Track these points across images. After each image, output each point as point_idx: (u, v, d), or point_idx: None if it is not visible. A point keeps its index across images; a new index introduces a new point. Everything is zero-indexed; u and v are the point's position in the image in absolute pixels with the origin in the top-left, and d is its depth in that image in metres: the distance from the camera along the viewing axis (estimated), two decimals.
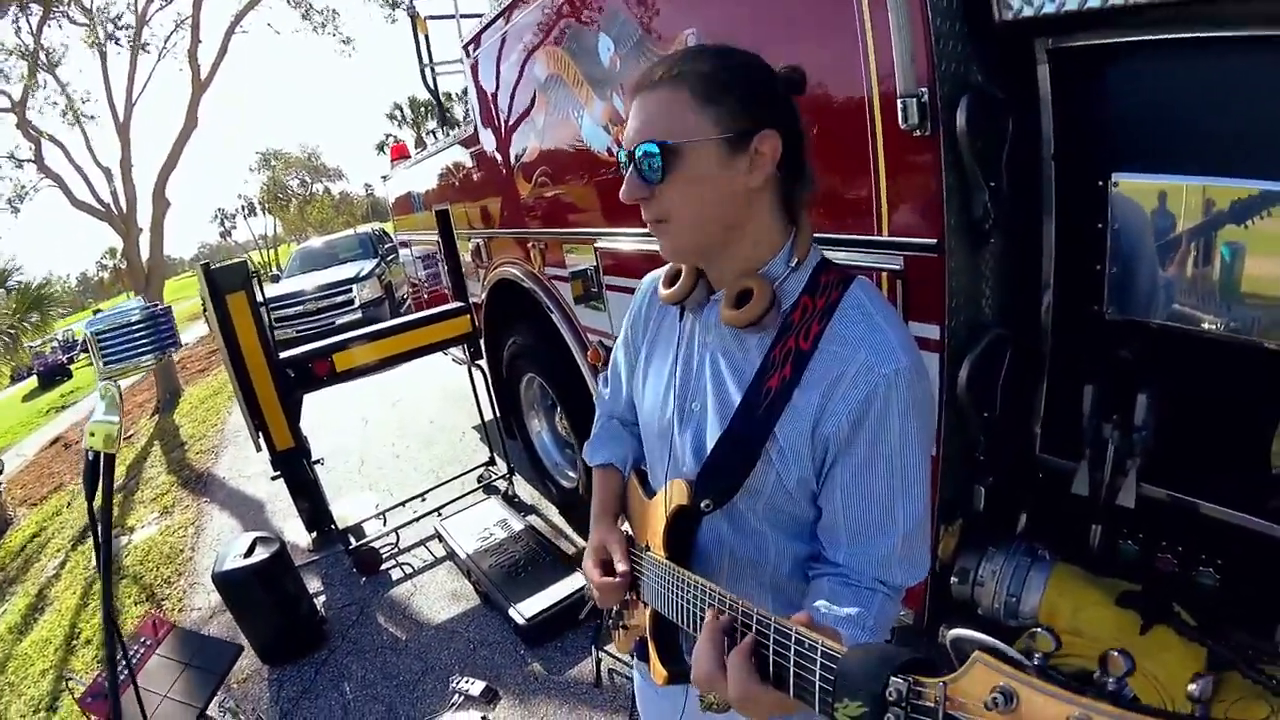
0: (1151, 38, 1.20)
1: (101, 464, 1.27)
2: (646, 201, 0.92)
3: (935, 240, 1.37)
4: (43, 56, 9.58)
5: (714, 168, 0.87)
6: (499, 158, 3.33)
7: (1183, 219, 1.25)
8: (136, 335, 1.39)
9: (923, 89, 1.26)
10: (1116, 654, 0.45)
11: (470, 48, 3.30)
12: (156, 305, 1.44)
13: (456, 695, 2.73)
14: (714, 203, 0.90)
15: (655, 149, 0.87)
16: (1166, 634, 1.40)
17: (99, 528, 1.28)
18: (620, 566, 1.08)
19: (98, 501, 1.28)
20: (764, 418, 0.92)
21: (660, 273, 1.10)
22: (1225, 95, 1.19)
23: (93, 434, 1.26)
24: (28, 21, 9.32)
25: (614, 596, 1.10)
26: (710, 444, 0.98)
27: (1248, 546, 1.32)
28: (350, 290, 11.36)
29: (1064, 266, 1.47)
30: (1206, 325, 1.28)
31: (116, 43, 9.81)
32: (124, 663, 1.64)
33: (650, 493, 1.12)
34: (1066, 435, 1.55)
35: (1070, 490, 1.52)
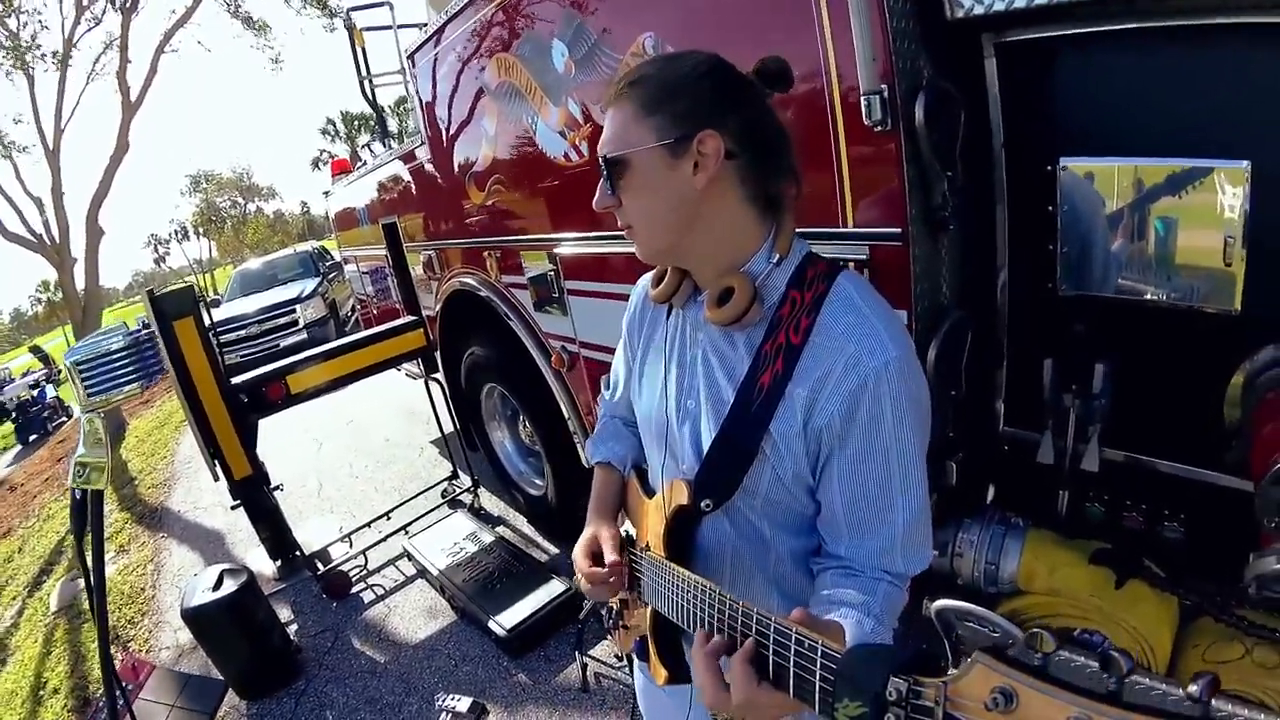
0: (1089, 30, 1.27)
1: (89, 501, 1.22)
2: (616, 210, 0.97)
3: (899, 229, 1.42)
4: None
5: (661, 173, 0.91)
6: (449, 168, 3.30)
7: (1127, 198, 1.33)
8: (119, 363, 1.34)
9: (883, 86, 1.31)
10: (1116, 654, 0.47)
11: (415, 58, 3.26)
12: (140, 331, 1.39)
13: (444, 713, 2.69)
14: (665, 207, 0.93)
15: (603, 162, 0.94)
16: (1140, 587, 1.47)
17: (91, 568, 1.23)
18: (610, 557, 1.08)
19: (88, 543, 1.24)
20: (758, 414, 0.93)
21: (651, 274, 1.12)
22: (1159, 81, 1.27)
23: (79, 470, 1.22)
24: None
25: (603, 589, 1.10)
26: (707, 441, 0.99)
27: (1208, 498, 1.41)
28: (294, 311, 11.07)
29: (1018, 248, 1.54)
30: (1153, 295, 1.36)
31: (43, 59, 9.38)
32: (122, 703, 1.58)
33: (650, 492, 1.13)
34: (1029, 408, 1.62)
35: (1036, 459, 1.59)
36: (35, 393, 13.96)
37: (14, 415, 13.42)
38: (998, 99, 1.43)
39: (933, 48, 1.37)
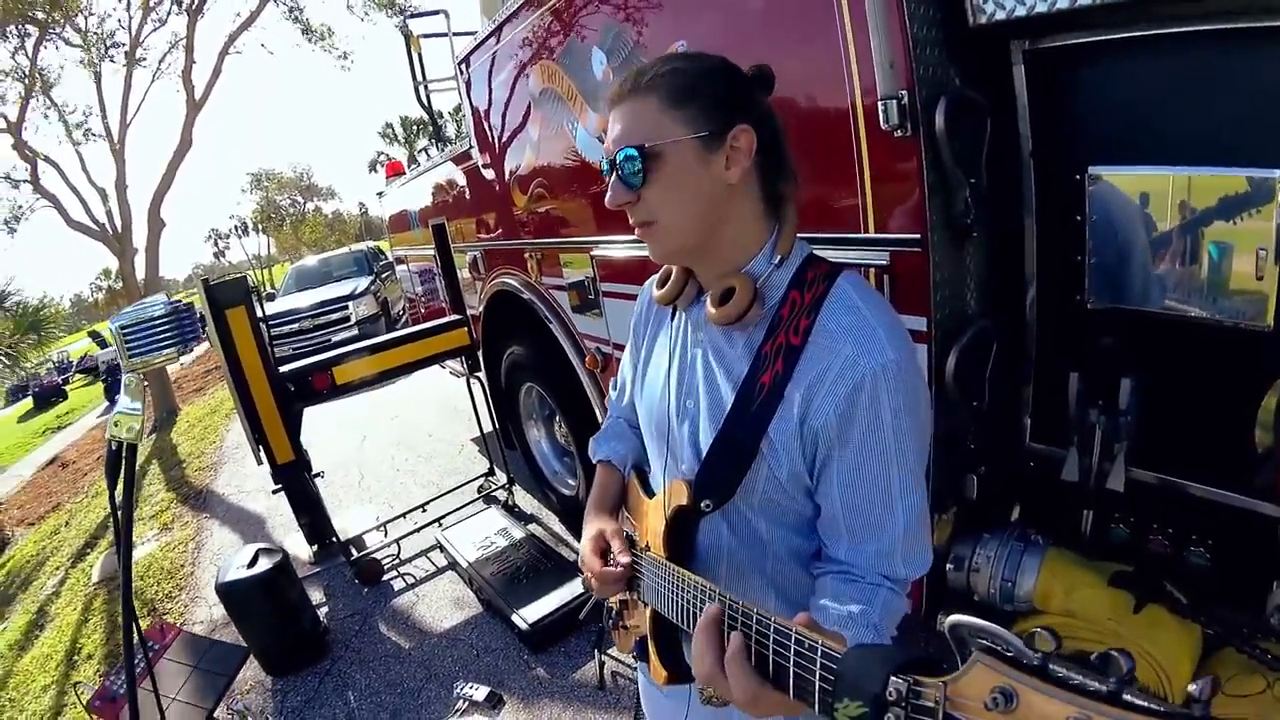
0: (1120, 36, 1.25)
1: (124, 454, 1.30)
2: (632, 206, 0.95)
3: (919, 236, 1.41)
4: (39, 78, 9.62)
5: (693, 166, 0.91)
6: (495, 171, 3.38)
7: (1158, 208, 1.30)
8: (159, 329, 1.43)
9: (902, 91, 1.31)
10: (1117, 654, 0.47)
11: (464, 65, 3.36)
12: (179, 301, 1.48)
13: (461, 701, 2.74)
14: (696, 201, 0.92)
15: (634, 153, 0.90)
16: (1160, 613, 1.43)
17: (120, 517, 1.31)
18: (620, 556, 1.08)
19: (119, 492, 1.31)
20: (758, 414, 0.93)
21: (657, 276, 1.13)
22: (1192, 87, 1.24)
23: (117, 424, 1.30)
24: (24, 43, 9.39)
25: (612, 586, 1.11)
26: (706, 441, 1.00)
27: (1237, 524, 1.35)
28: (346, 307, 11.37)
29: (1046, 258, 1.52)
30: (1186, 310, 1.32)
31: (112, 60, 9.87)
32: (140, 661, 1.67)
33: (650, 493, 1.14)
34: (1055, 423, 1.59)
35: (1060, 477, 1.55)
36: None
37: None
38: (1026, 106, 1.42)
39: (957, 54, 1.36)
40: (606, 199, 0.96)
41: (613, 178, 0.94)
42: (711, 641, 0.80)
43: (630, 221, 0.97)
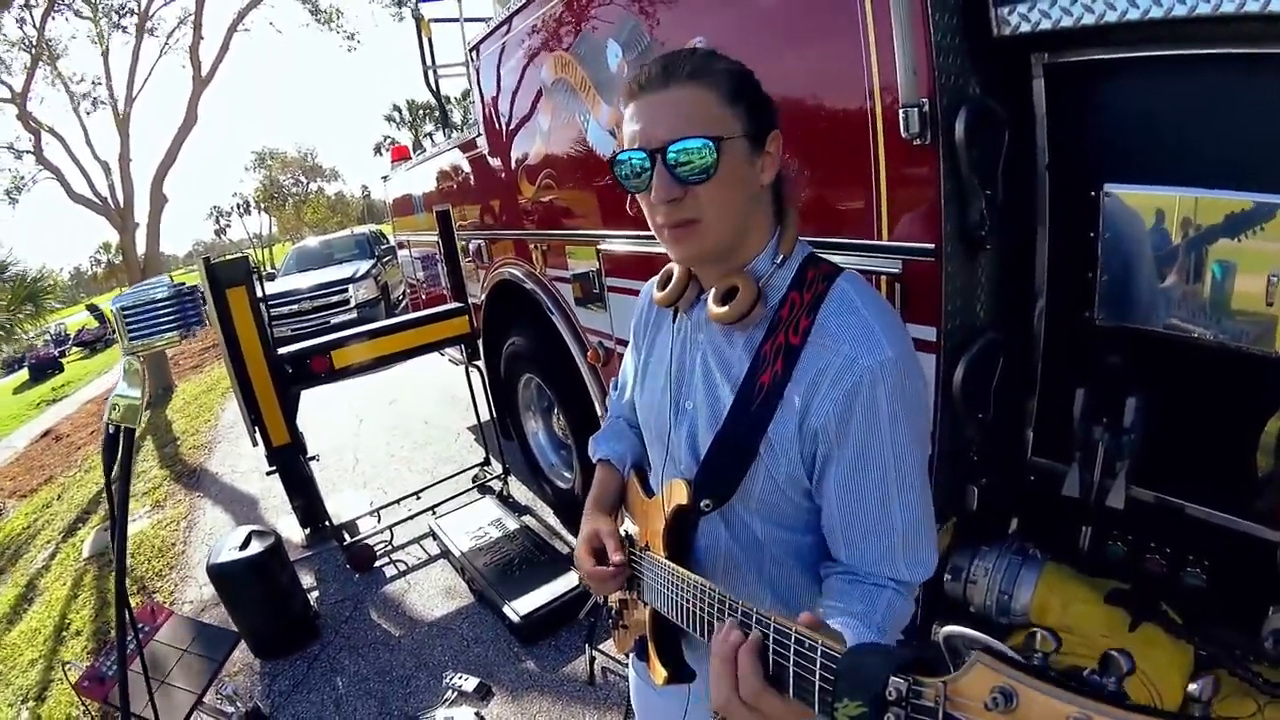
0: (1142, 54, 1.25)
1: (122, 437, 1.29)
2: (677, 203, 0.89)
3: (933, 245, 1.40)
4: (45, 49, 9.58)
5: (746, 166, 0.90)
6: (502, 160, 3.37)
7: (1172, 229, 1.30)
8: (162, 312, 1.41)
9: (923, 100, 1.30)
10: (1116, 654, 0.46)
11: (476, 51, 3.34)
12: (183, 285, 1.46)
13: (450, 691, 2.73)
14: (742, 202, 0.91)
15: (710, 144, 0.85)
16: (1155, 631, 1.43)
17: (116, 501, 1.30)
18: (614, 556, 1.08)
19: (116, 475, 1.30)
20: (758, 415, 0.93)
21: (657, 278, 1.12)
22: (1213, 110, 1.23)
23: (114, 407, 1.29)
24: (31, 14, 9.34)
25: (607, 586, 1.11)
26: (704, 441, 1.00)
27: (1234, 547, 1.35)
28: (346, 290, 11.35)
29: (1056, 273, 1.51)
30: (1194, 332, 1.32)
31: (124, 30, 9.83)
32: (131, 642, 1.66)
33: (650, 493, 1.14)
34: (1058, 438, 1.59)
35: (1061, 492, 1.55)
36: None
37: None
38: (1044, 120, 1.41)
39: (979, 65, 1.35)
40: (657, 193, 0.88)
41: (657, 169, 0.88)
42: (729, 663, 0.76)
43: (663, 219, 0.91)
